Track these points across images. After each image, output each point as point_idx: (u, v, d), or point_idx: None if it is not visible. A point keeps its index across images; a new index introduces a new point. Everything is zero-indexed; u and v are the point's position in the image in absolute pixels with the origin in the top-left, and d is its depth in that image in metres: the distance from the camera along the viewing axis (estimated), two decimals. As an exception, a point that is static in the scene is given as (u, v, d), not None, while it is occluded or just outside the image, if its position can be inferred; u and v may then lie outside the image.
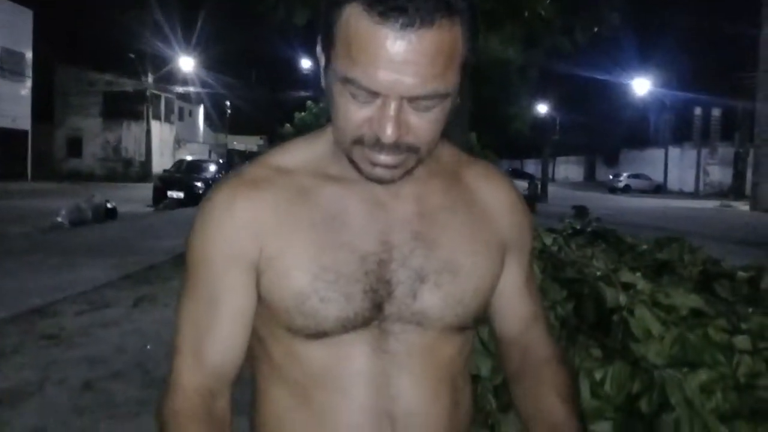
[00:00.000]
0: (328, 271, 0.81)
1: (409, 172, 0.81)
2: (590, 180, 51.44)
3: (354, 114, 0.75)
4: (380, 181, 0.81)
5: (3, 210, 12.76)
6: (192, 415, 0.80)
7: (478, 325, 0.93)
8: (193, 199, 16.18)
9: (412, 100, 0.74)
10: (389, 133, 0.74)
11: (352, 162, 0.81)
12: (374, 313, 0.82)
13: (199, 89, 38.20)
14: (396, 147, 0.76)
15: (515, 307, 0.96)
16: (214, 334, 0.83)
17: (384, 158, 0.77)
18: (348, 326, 0.81)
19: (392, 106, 0.73)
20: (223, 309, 0.83)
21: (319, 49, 0.78)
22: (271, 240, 0.82)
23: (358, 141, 0.77)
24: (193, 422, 0.80)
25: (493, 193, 0.93)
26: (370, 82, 0.71)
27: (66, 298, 5.10)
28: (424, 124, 0.76)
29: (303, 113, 31.60)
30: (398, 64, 0.70)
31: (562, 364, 0.95)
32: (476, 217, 0.90)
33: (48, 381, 3.30)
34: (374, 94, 0.73)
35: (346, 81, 0.73)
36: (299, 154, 0.88)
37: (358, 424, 0.82)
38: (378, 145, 0.76)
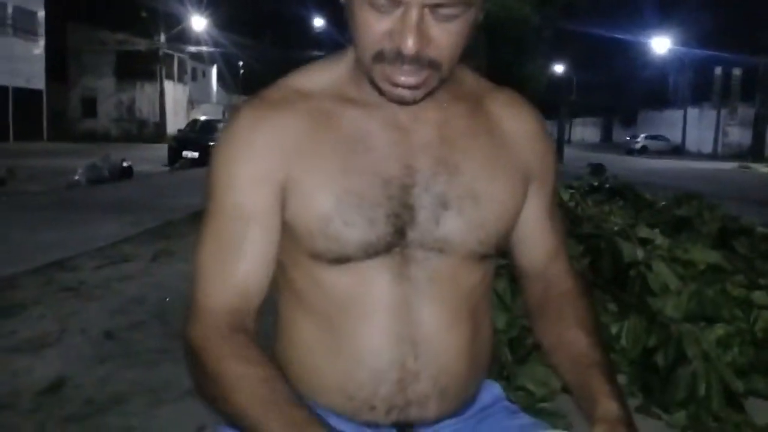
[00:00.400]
0: (352, 194, 0.80)
1: (430, 94, 0.79)
2: (607, 141, 50.85)
3: (374, 26, 0.73)
4: (402, 102, 0.79)
5: (20, 169, 12.84)
6: (224, 330, 0.79)
7: (500, 254, 0.92)
8: (208, 158, 16.21)
9: (434, 8, 0.71)
10: (410, 44, 0.72)
11: (372, 83, 0.79)
12: (397, 238, 0.81)
13: (211, 49, 37.88)
14: (417, 60, 0.73)
15: (537, 238, 0.95)
16: (242, 252, 0.82)
17: (405, 78, 0.75)
18: (370, 251, 0.81)
19: (413, 14, 0.71)
20: (252, 227, 0.82)
21: None
22: (295, 162, 0.82)
23: (379, 57, 0.75)
24: (227, 336, 0.79)
25: (517, 122, 0.91)
26: None
27: (84, 253, 5.16)
28: (446, 37, 0.73)
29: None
30: None
31: (585, 297, 0.94)
32: (499, 143, 0.89)
33: (68, 331, 3.36)
34: (395, 2, 0.71)
35: None
36: (319, 76, 0.87)
37: (379, 350, 0.82)
38: (399, 58, 0.74)
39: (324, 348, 0.85)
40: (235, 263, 0.82)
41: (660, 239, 3.88)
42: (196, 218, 6.98)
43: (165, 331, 3.36)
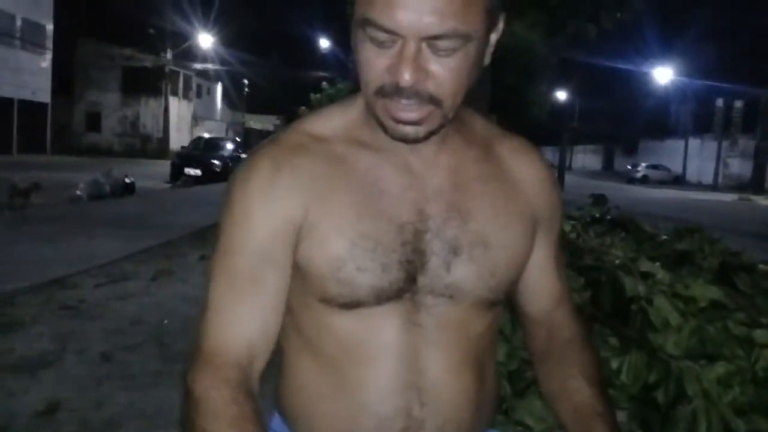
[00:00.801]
0: (367, 239, 0.80)
1: (434, 133, 0.79)
2: (608, 169, 50.99)
3: (375, 61, 0.74)
4: (405, 139, 0.79)
5: (23, 182, 12.85)
6: (232, 385, 0.77)
7: (507, 301, 0.92)
8: (211, 176, 16.28)
9: (432, 41, 0.72)
10: (407, 76, 0.72)
11: (378, 121, 0.79)
12: (408, 284, 0.81)
13: (217, 66, 38.19)
14: (416, 94, 0.74)
15: (544, 285, 0.95)
16: (256, 296, 0.80)
17: (405, 113, 0.76)
18: (382, 297, 0.81)
19: (411, 47, 0.72)
20: (267, 269, 0.80)
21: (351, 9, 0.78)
22: (312, 205, 0.81)
23: (380, 92, 0.76)
24: (233, 394, 0.76)
25: (527, 168, 0.92)
26: (387, 20, 0.71)
27: (85, 271, 5.15)
28: (444, 72, 0.74)
29: (318, 94, 31.53)
30: (415, 1, 0.70)
31: (589, 345, 0.94)
32: (509, 190, 0.89)
33: (66, 351, 3.34)
34: (392, 36, 0.72)
35: (365, 23, 0.72)
36: (333, 121, 0.87)
37: (386, 397, 0.82)
38: (397, 92, 0.74)
39: (329, 393, 0.84)
40: (250, 307, 0.80)
41: (661, 274, 3.86)
42: (196, 237, 6.98)
43: (162, 353, 3.35)
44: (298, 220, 0.81)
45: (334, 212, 0.81)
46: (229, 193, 0.84)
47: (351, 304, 0.81)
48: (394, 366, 0.82)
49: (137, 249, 6.20)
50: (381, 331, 0.82)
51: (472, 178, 0.87)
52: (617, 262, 4.09)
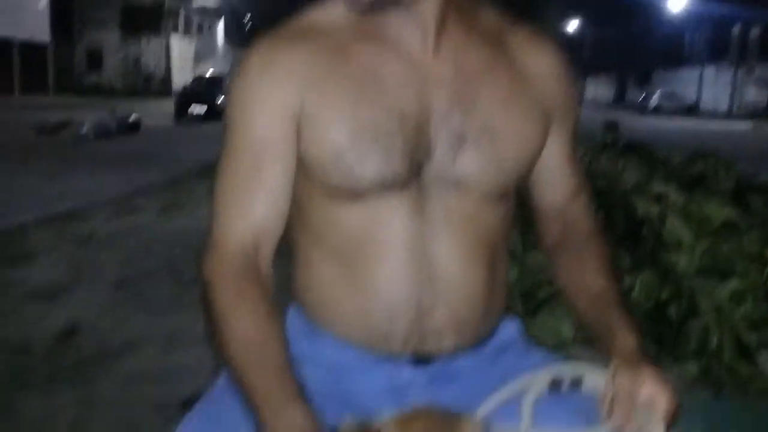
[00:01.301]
0: (367, 127, 0.79)
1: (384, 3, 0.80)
2: (620, 100, 50.11)
3: None
4: (354, 5, 0.80)
5: (27, 122, 12.80)
6: (236, 270, 0.80)
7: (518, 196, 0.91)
8: (215, 113, 16.19)
9: None
10: None
11: None
12: (413, 174, 0.80)
13: (218, 2, 37.31)
14: None
15: (558, 178, 0.94)
16: (260, 185, 0.81)
17: None
18: (386, 185, 0.80)
19: None
20: (269, 157, 0.81)
21: None
22: (311, 94, 0.81)
23: None
24: (237, 277, 0.79)
25: (539, 59, 0.89)
26: None
27: (94, 204, 5.19)
28: None
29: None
30: None
31: (603, 239, 0.94)
32: (518, 79, 0.87)
33: (80, 279, 3.39)
34: None
35: None
36: (333, 11, 0.85)
37: (396, 285, 0.82)
38: None
39: (341, 284, 0.85)
40: (253, 196, 0.81)
41: (674, 195, 3.84)
42: (204, 172, 6.97)
43: (175, 280, 3.38)
44: (296, 109, 0.81)
45: (333, 101, 0.80)
46: (231, 87, 0.85)
47: (355, 195, 0.81)
48: (403, 256, 0.82)
49: (145, 184, 6.22)
50: (388, 223, 0.82)
51: (478, 67, 0.84)
52: (630, 185, 4.06)
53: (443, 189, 0.82)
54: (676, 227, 3.33)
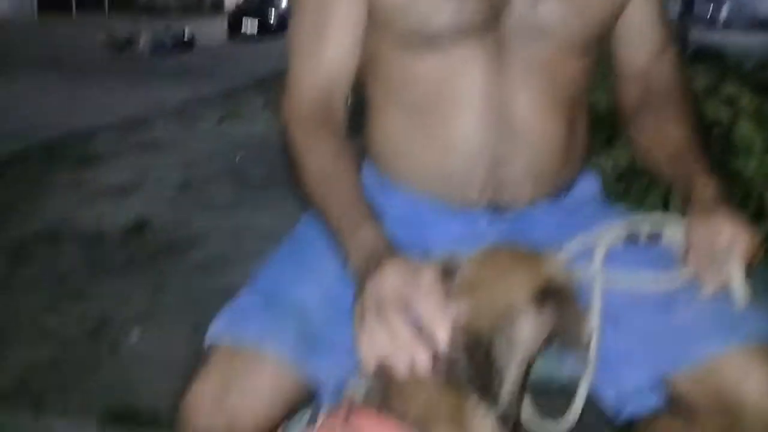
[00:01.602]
0: None
1: None
2: (687, 15, 47.01)
3: None
4: None
5: (85, 37, 12.98)
6: (310, 112, 0.82)
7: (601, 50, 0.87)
8: (267, 31, 16.05)
9: None
10: None
11: None
12: (491, 20, 0.77)
13: None
14: None
15: (645, 31, 0.89)
16: (330, 32, 0.82)
17: None
18: (462, 31, 0.77)
19: None
20: (339, 6, 0.81)
21: None
22: None
23: None
24: (312, 119, 0.81)
25: None
26: None
27: (155, 113, 5.30)
28: None
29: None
30: None
31: (687, 94, 0.90)
32: None
33: (147, 180, 3.52)
34: None
35: None
36: None
37: (472, 135, 0.81)
38: None
39: (416, 135, 0.84)
40: (324, 42, 0.82)
41: (747, 98, 3.64)
42: (260, 85, 6.99)
43: (237, 182, 3.47)
44: None
45: None
46: None
47: (430, 42, 0.79)
48: (480, 107, 0.80)
49: (203, 95, 6.29)
50: (466, 73, 0.80)
51: None
52: (700, 88, 3.87)
53: (523, 38, 0.79)
54: (747, 131, 3.19)
